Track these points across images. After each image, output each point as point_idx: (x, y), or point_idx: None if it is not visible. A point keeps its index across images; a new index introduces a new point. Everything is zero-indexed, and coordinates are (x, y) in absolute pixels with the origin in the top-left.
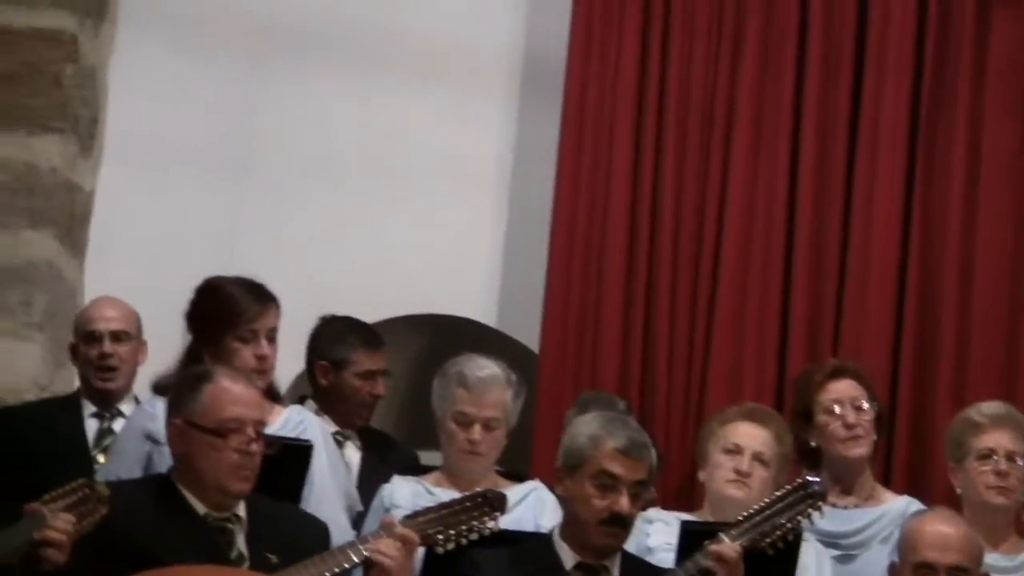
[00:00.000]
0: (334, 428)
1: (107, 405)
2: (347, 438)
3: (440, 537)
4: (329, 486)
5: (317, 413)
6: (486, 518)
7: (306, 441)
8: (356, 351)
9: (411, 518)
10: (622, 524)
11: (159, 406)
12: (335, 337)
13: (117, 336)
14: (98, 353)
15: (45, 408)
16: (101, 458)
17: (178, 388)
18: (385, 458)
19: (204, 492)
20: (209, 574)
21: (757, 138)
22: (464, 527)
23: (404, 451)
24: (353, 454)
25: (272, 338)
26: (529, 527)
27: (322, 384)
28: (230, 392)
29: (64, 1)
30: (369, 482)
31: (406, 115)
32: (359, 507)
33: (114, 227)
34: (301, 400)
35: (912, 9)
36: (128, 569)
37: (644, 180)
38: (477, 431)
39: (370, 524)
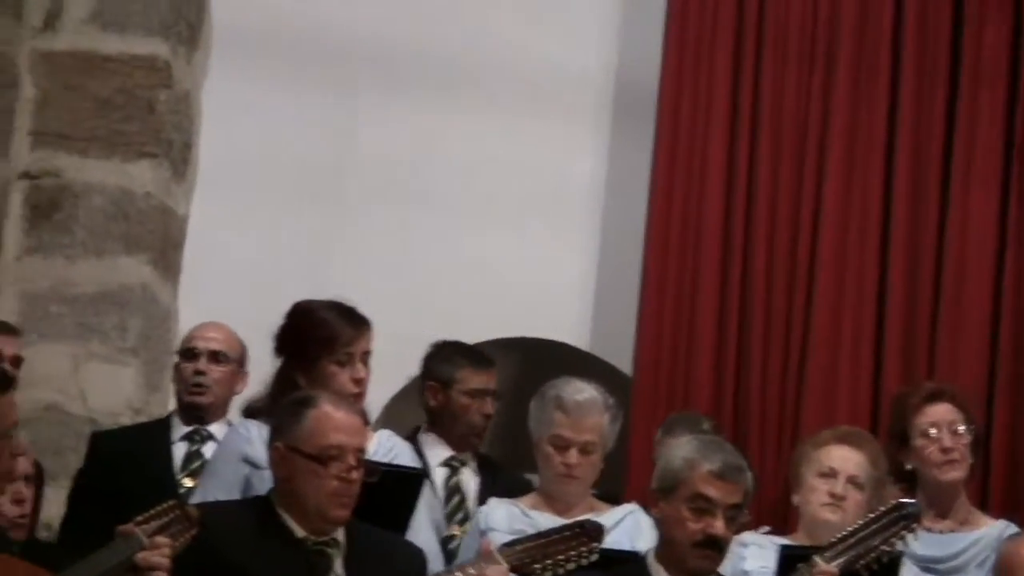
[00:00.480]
0: (449, 453)
1: (196, 422)
2: (463, 463)
3: (537, 567)
4: (420, 512)
5: (409, 436)
6: (584, 548)
7: (418, 469)
8: (463, 369)
9: (509, 546)
10: (717, 547)
11: (253, 430)
12: (443, 357)
13: (215, 356)
14: (193, 369)
15: (136, 432)
16: (188, 482)
17: (281, 413)
18: (500, 485)
19: (304, 516)
20: None
21: (850, 159)
22: (562, 557)
23: (518, 477)
24: (470, 480)
25: (366, 361)
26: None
27: (432, 405)
28: (332, 418)
29: (158, 28)
30: None
31: (500, 140)
32: (445, 531)
33: (207, 251)
34: (415, 431)
35: (1007, 25)
36: None
37: (736, 204)
38: (574, 455)
39: (467, 546)
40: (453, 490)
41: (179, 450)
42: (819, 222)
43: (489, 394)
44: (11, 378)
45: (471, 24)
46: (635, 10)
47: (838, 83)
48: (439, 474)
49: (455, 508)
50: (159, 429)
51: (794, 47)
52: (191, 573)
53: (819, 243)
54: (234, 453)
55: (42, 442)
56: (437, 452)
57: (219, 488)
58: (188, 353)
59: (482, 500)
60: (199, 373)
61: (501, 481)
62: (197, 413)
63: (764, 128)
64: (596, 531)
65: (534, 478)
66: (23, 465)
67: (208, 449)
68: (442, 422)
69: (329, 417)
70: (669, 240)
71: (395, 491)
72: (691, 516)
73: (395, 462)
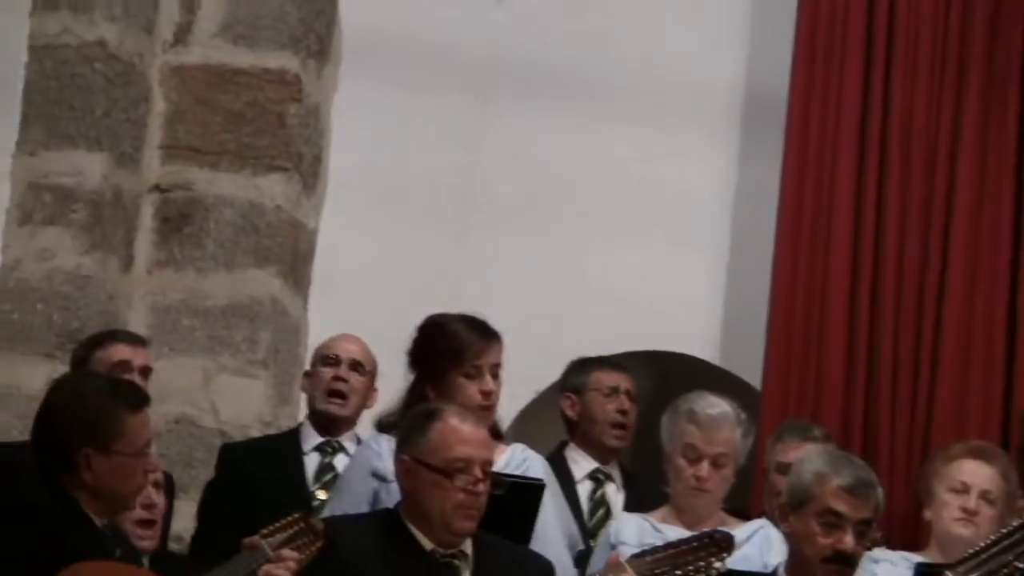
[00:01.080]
0: (594, 466)
1: (331, 433)
2: (608, 477)
3: None
4: (551, 524)
5: (555, 451)
6: (713, 559)
7: (538, 480)
8: (593, 372)
9: (638, 557)
10: (847, 563)
11: (384, 444)
12: (574, 368)
13: (355, 366)
14: (333, 375)
15: (266, 444)
16: (321, 494)
17: (408, 425)
18: (645, 499)
19: (430, 529)
20: None
21: (982, 169)
22: (691, 568)
23: (665, 493)
24: (614, 494)
25: (496, 374)
26: (756, 566)
27: (571, 417)
28: (459, 431)
29: (288, 41)
30: None
31: (629, 152)
32: (580, 546)
33: (337, 264)
34: (562, 446)
35: None
36: None
37: (866, 216)
38: (705, 468)
39: (597, 561)
40: (598, 503)
41: (311, 462)
42: (950, 235)
43: (623, 392)
44: (144, 395)
45: (600, 35)
46: (765, 20)
47: (969, 93)
48: (584, 487)
49: (600, 522)
50: (290, 441)
51: (925, 57)
52: None
53: (950, 255)
54: (364, 467)
55: (172, 455)
56: (581, 465)
57: (349, 503)
58: (329, 360)
59: None
60: (339, 380)
61: (645, 493)
62: (333, 422)
63: (894, 139)
64: (726, 541)
65: None
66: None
67: (340, 461)
68: (582, 431)
69: (455, 430)
70: (798, 253)
71: (515, 502)
72: (821, 531)
73: (525, 474)
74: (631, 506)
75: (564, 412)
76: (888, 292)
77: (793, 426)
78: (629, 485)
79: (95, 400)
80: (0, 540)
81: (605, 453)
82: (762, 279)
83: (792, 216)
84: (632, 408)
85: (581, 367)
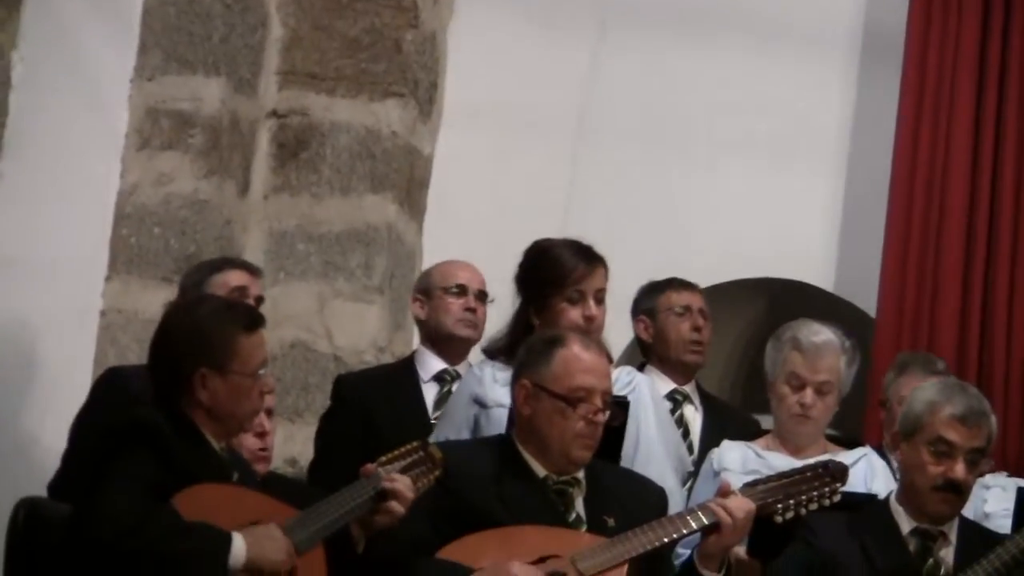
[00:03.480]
0: (671, 387)
1: (450, 361)
2: (684, 397)
3: (779, 507)
4: (656, 446)
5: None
6: (827, 489)
7: (623, 397)
8: (663, 293)
9: (751, 486)
10: (957, 491)
11: (487, 370)
12: (645, 291)
13: (481, 295)
14: (463, 306)
15: (383, 373)
16: None
17: (528, 349)
18: (726, 424)
19: (546, 456)
20: (546, 535)
21: None
22: (804, 497)
23: (745, 417)
24: (692, 415)
25: (600, 299)
26: None
27: (646, 340)
28: (582, 360)
29: None
30: (708, 445)
31: (747, 81)
32: (689, 468)
33: (452, 191)
34: (641, 369)
35: None
36: (467, 528)
37: (984, 144)
38: (809, 395)
39: (700, 488)
40: (676, 423)
41: (430, 391)
42: None
43: (696, 311)
44: (259, 316)
45: None
46: None
47: None
48: (662, 405)
49: None
50: (406, 370)
51: None
52: (433, 512)
53: None
54: (465, 394)
55: (287, 380)
56: (659, 386)
57: (450, 429)
58: (455, 290)
59: (706, 436)
60: (471, 309)
61: (728, 418)
62: (457, 351)
63: (1012, 69)
64: (840, 472)
65: (764, 419)
66: (268, 400)
67: None
68: (658, 353)
69: (579, 358)
70: (915, 181)
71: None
72: (932, 460)
73: (630, 397)
74: (710, 428)
75: (638, 336)
76: (1005, 221)
77: (916, 358)
78: (708, 407)
79: (210, 321)
80: (133, 460)
81: (683, 372)
82: (878, 206)
83: (908, 143)
84: (706, 325)
85: (652, 290)
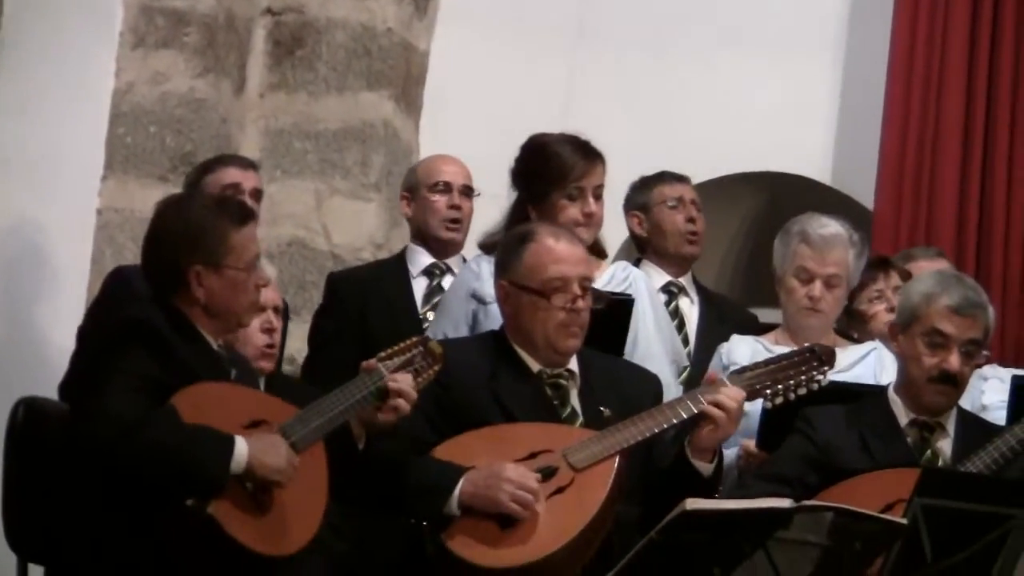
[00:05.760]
0: (666, 279)
1: (440, 256)
2: (680, 290)
3: (768, 392)
4: (655, 343)
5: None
6: (815, 372)
7: (627, 295)
8: (656, 187)
9: (739, 373)
10: (952, 382)
11: (484, 265)
12: (637, 186)
13: (465, 191)
14: (448, 204)
15: (374, 269)
16: (431, 316)
17: (502, 249)
18: (723, 317)
19: (535, 350)
20: (539, 431)
21: None
22: (792, 382)
23: (742, 310)
24: (688, 307)
25: (599, 195)
26: None
27: (640, 235)
28: (553, 251)
29: None
30: (705, 338)
31: None
32: (685, 362)
33: (448, 87)
34: (637, 263)
35: None
36: (464, 426)
37: (981, 38)
38: (818, 288)
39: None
40: (671, 316)
41: (419, 285)
42: None
43: (689, 202)
44: (249, 210)
45: None
46: None
47: None
48: (658, 300)
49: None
50: (397, 265)
51: None
52: (430, 410)
53: None
54: (463, 289)
55: (285, 277)
56: (655, 279)
57: (448, 324)
58: (440, 187)
59: (703, 328)
60: (455, 208)
61: (726, 311)
62: (445, 247)
63: None
64: (828, 355)
65: (763, 313)
66: (272, 295)
67: (447, 283)
68: (654, 246)
69: (549, 250)
70: (912, 75)
71: (606, 318)
72: (927, 351)
73: (631, 292)
74: (707, 320)
75: (633, 231)
76: (1002, 112)
77: (919, 253)
78: (705, 300)
79: (200, 217)
80: (130, 359)
81: (679, 264)
82: (876, 100)
83: (905, 36)
84: (699, 216)
85: (643, 184)
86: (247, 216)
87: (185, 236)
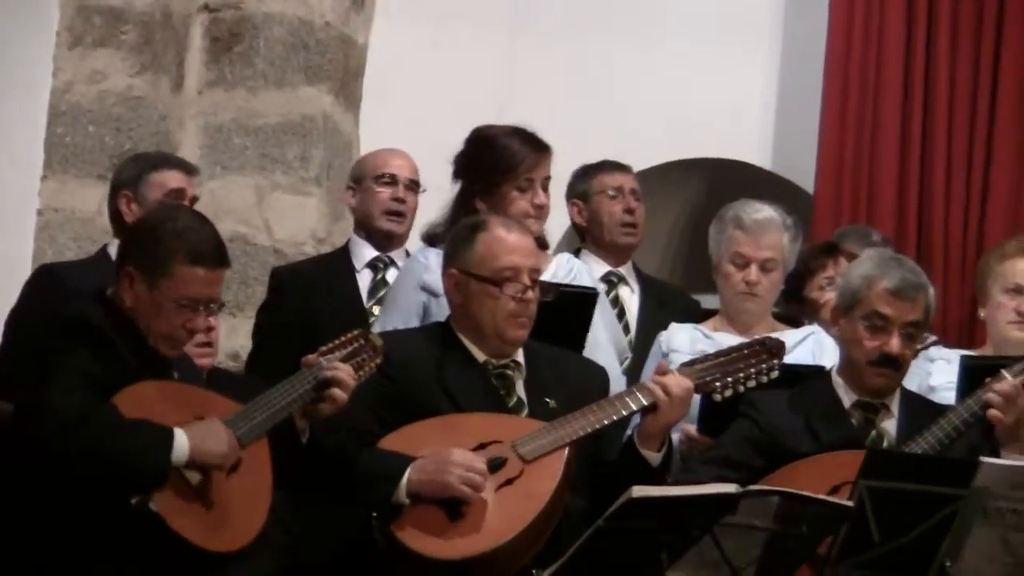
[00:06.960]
0: (606, 268)
1: (384, 249)
2: (620, 279)
3: (718, 384)
4: (601, 332)
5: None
6: (764, 366)
7: (591, 289)
8: (596, 177)
9: (689, 365)
10: (893, 365)
11: (432, 257)
12: (578, 175)
13: (411, 185)
14: (392, 196)
15: (317, 263)
16: (376, 310)
17: (453, 239)
18: (664, 305)
19: (483, 340)
20: (488, 422)
21: None
22: (742, 375)
23: (685, 297)
24: (628, 296)
25: (546, 187)
26: None
27: (581, 224)
28: (504, 241)
29: None
30: (645, 327)
31: None
32: (628, 354)
33: (388, 80)
34: (576, 253)
35: None
36: (410, 417)
37: (918, 19)
38: (754, 272)
39: (649, 369)
40: (612, 305)
41: (364, 279)
42: (1002, 34)
43: (628, 192)
44: (219, 258)
45: None
46: None
47: None
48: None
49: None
50: (340, 259)
51: None
52: (376, 402)
53: (1002, 51)
54: (413, 281)
55: (228, 273)
56: (595, 269)
57: (399, 317)
58: (386, 179)
59: (644, 316)
60: (399, 200)
61: (667, 298)
62: (388, 239)
63: None
64: (777, 348)
65: (706, 300)
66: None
67: (392, 276)
68: (592, 236)
69: (501, 240)
70: (850, 57)
71: (569, 311)
72: (867, 334)
73: (574, 283)
74: (647, 308)
75: (573, 220)
76: (940, 93)
77: (853, 231)
78: (646, 287)
79: (167, 230)
80: (73, 357)
81: (617, 254)
82: (814, 83)
83: (842, 17)
84: (639, 206)
85: (584, 173)
86: (204, 259)
87: (143, 236)
